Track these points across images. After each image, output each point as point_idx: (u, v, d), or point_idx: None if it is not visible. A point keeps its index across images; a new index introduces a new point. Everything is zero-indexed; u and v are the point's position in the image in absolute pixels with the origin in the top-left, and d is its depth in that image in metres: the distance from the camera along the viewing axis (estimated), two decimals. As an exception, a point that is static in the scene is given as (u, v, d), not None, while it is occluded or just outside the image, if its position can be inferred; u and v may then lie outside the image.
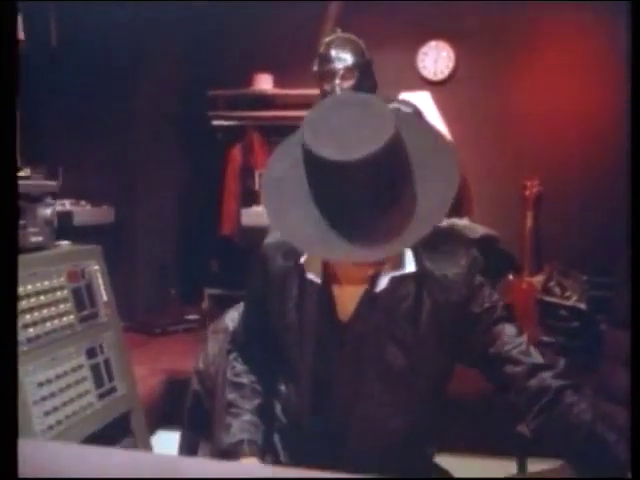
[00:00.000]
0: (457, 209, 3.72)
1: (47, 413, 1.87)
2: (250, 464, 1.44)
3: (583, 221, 4.46)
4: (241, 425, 1.56)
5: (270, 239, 1.56)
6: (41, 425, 1.83)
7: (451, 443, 2.26)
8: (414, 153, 1.28)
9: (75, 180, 4.05)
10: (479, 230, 3.85)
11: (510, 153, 4.68)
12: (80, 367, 2.05)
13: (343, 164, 1.18)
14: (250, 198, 4.63)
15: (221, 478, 0.67)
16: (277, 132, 5.00)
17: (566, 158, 4.54)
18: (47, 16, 3.99)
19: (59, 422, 1.90)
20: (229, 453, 1.54)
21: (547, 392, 1.33)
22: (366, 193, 1.20)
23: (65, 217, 3.65)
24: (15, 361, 1.58)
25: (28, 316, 1.89)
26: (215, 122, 5.02)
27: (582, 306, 3.73)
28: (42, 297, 1.96)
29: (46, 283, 1.99)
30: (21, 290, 1.88)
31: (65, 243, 2.26)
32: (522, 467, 2.30)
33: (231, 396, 1.63)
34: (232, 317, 2.00)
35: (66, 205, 3.83)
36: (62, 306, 2.04)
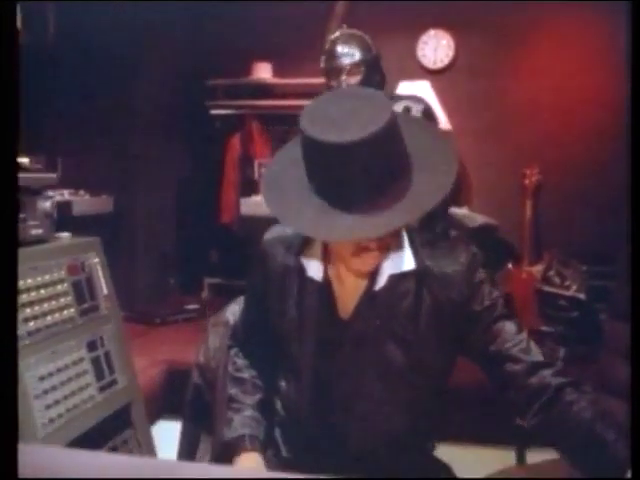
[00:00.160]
0: (456, 198, 3.73)
1: (48, 406, 1.87)
2: (243, 468, 1.44)
3: (583, 210, 4.46)
4: (242, 420, 1.57)
5: (269, 235, 1.56)
6: (42, 419, 1.84)
7: (450, 433, 2.27)
8: (413, 144, 1.31)
9: (74, 170, 4.06)
10: (478, 219, 3.87)
11: (510, 142, 4.67)
12: (81, 360, 2.05)
13: (344, 146, 1.20)
14: (249, 187, 4.62)
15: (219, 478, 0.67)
16: (276, 121, 5.01)
17: (566, 147, 4.54)
18: (44, 6, 3.97)
19: (60, 415, 1.90)
20: (230, 447, 1.55)
21: (547, 390, 1.34)
22: (366, 173, 1.22)
23: (64, 207, 3.64)
24: (15, 358, 1.58)
25: (28, 310, 1.89)
26: (214, 111, 5.01)
27: (581, 296, 3.73)
28: (42, 291, 1.95)
29: (46, 277, 1.98)
30: (21, 284, 1.88)
31: (65, 235, 2.25)
32: (521, 457, 2.31)
33: (232, 391, 1.64)
34: (233, 310, 2.00)
35: (65, 195, 3.82)
36: (62, 299, 2.03)
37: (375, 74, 2.88)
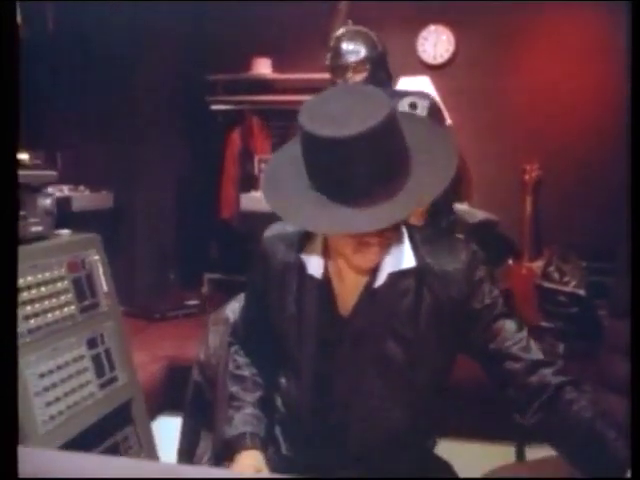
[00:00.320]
0: (457, 193, 3.73)
1: (49, 404, 1.87)
2: (239, 472, 1.45)
3: (583, 206, 4.45)
4: (243, 418, 1.57)
5: (269, 233, 1.56)
6: (43, 416, 1.84)
7: (450, 429, 2.28)
8: (412, 139, 1.32)
9: (73, 165, 4.06)
10: (478, 215, 3.87)
11: (509, 137, 4.66)
12: (81, 357, 2.06)
13: (343, 140, 1.20)
14: (249, 183, 4.63)
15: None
16: (276, 116, 5.00)
17: (566, 142, 4.53)
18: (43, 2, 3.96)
19: (61, 412, 1.91)
20: (231, 445, 1.55)
21: (547, 389, 1.34)
22: (365, 167, 1.23)
23: (64, 203, 3.64)
24: (16, 356, 1.58)
25: (29, 307, 1.89)
26: (214, 107, 5.00)
27: (581, 292, 3.73)
28: (43, 288, 1.95)
29: (47, 274, 1.98)
30: (22, 282, 1.88)
31: (65, 232, 2.25)
32: (520, 454, 2.32)
33: (233, 389, 1.64)
34: (233, 308, 2.00)
35: (65, 191, 3.82)
36: (63, 297, 2.04)
37: (381, 71, 2.87)
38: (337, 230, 1.32)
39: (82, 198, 3.93)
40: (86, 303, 2.14)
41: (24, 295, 1.88)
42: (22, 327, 1.84)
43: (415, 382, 1.43)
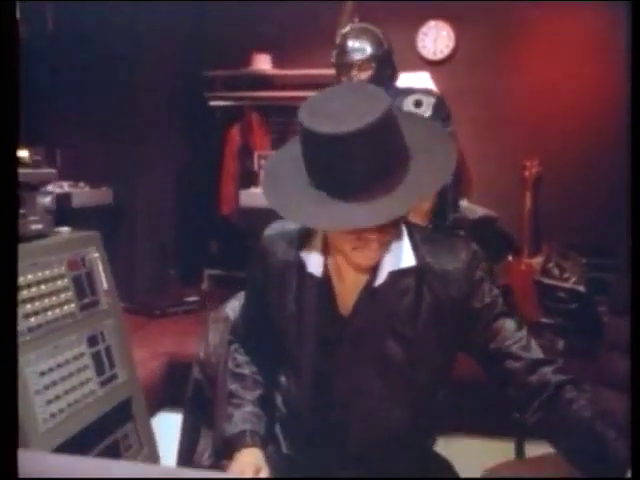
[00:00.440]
0: (459, 193, 3.72)
1: (49, 402, 1.88)
2: (239, 472, 1.45)
3: (583, 202, 4.45)
4: (243, 416, 1.57)
5: (269, 232, 1.56)
6: (43, 414, 1.84)
7: (449, 425, 2.28)
8: (411, 136, 1.32)
9: (73, 162, 4.06)
10: (478, 211, 3.86)
11: (509, 133, 4.66)
12: (81, 355, 2.06)
13: (341, 136, 1.21)
14: (249, 179, 4.62)
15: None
16: (276, 112, 4.99)
17: (566, 138, 4.52)
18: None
19: (61, 410, 1.91)
20: (231, 443, 1.55)
21: (547, 388, 1.34)
22: (364, 163, 1.23)
23: (64, 199, 3.64)
24: (16, 354, 1.59)
25: (29, 305, 1.89)
26: (213, 103, 4.99)
27: (581, 288, 3.73)
28: (43, 286, 1.96)
29: (47, 272, 1.99)
30: (22, 280, 1.88)
31: (65, 230, 2.25)
32: (520, 449, 2.32)
33: (233, 387, 1.64)
34: (232, 306, 2.00)
35: (64, 187, 3.82)
36: (63, 295, 2.04)
37: (386, 69, 2.86)
38: (337, 226, 1.32)
39: (82, 194, 3.93)
40: (86, 301, 2.14)
41: (24, 293, 1.88)
42: (22, 325, 1.85)
43: (415, 381, 1.43)
